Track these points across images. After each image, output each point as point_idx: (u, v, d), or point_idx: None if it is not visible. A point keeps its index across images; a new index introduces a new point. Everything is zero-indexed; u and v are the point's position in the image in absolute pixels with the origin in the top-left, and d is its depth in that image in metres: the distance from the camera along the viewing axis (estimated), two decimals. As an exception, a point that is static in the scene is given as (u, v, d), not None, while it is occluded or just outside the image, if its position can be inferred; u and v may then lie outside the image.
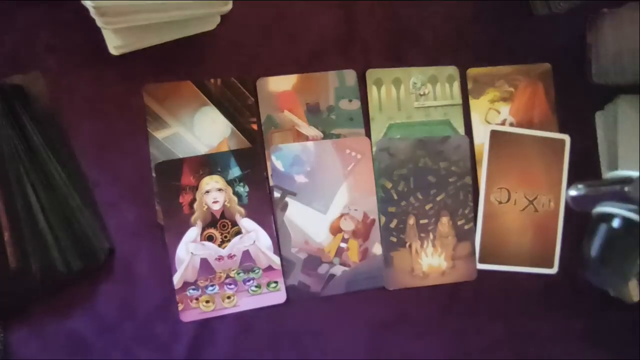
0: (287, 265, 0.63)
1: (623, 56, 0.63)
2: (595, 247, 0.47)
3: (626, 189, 0.45)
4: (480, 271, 0.67)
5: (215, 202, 0.61)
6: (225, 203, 0.62)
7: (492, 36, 0.69)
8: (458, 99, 0.68)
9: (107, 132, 0.61)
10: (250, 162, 0.62)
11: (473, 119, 0.68)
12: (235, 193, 0.62)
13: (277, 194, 0.63)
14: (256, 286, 0.62)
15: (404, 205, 0.65)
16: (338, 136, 0.65)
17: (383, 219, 0.65)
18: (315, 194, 0.64)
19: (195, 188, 0.61)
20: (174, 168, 0.61)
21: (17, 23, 0.60)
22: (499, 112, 0.69)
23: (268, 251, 0.62)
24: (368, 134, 0.66)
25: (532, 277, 0.68)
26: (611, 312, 0.69)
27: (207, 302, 0.61)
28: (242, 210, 0.62)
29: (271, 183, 0.63)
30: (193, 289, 0.61)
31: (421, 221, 0.66)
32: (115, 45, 0.58)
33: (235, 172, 0.62)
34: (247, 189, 0.62)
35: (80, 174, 0.59)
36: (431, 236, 0.66)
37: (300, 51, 0.65)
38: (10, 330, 0.57)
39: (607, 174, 0.50)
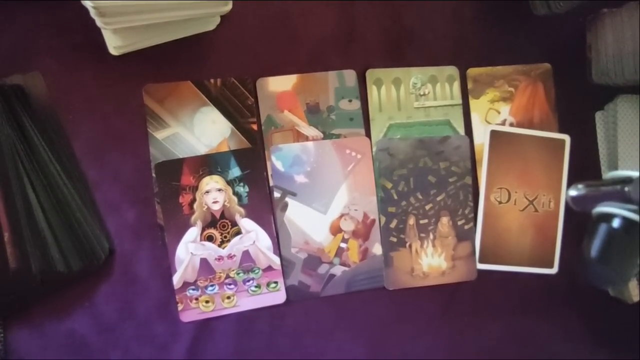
0: (287, 265, 0.63)
1: (623, 56, 0.63)
2: (595, 247, 0.47)
3: (626, 189, 0.45)
4: (480, 271, 0.67)
5: (215, 202, 0.61)
6: (225, 203, 0.62)
7: (492, 36, 0.69)
8: (458, 99, 0.68)
9: (107, 132, 0.61)
10: (250, 162, 0.62)
11: (473, 119, 0.68)
12: (235, 193, 0.62)
13: (277, 194, 0.63)
14: (256, 286, 0.62)
15: (404, 205, 0.65)
16: (338, 136, 0.65)
17: (383, 219, 0.65)
18: (315, 194, 0.64)
19: (195, 188, 0.61)
20: (174, 168, 0.61)
21: (17, 23, 0.59)
22: (499, 112, 0.69)
23: (268, 251, 0.62)
24: (368, 134, 0.66)
25: (532, 277, 0.68)
26: (611, 312, 0.69)
27: (207, 302, 0.61)
28: (242, 210, 0.62)
29: (271, 183, 0.63)
30: (193, 289, 0.61)
31: (421, 221, 0.66)
32: (115, 45, 0.58)
33: (235, 172, 0.62)
34: (247, 189, 0.62)
35: (80, 174, 0.59)
36: (431, 236, 0.66)
37: (300, 51, 0.65)
38: (10, 330, 0.57)
39: (607, 174, 0.50)
